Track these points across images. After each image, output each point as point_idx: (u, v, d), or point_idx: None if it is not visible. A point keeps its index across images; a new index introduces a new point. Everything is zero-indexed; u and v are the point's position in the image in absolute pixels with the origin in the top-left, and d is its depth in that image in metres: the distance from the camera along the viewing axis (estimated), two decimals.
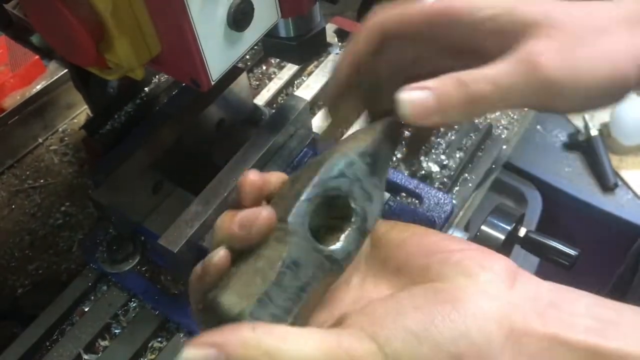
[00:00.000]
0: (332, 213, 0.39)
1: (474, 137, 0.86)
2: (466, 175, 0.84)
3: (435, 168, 0.84)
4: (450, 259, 0.35)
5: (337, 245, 0.38)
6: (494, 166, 0.88)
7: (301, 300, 0.35)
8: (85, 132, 0.80)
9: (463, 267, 0.34)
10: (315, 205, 0.37)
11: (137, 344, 0.63)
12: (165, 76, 0.88)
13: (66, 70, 0.98)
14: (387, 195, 0.70)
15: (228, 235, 0.36)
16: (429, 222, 0.68)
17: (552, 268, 0.70)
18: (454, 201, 0.75)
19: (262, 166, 0.66)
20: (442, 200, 0.72)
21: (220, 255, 0.35)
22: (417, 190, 0.73)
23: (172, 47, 0.50)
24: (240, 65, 0.72)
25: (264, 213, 0.35)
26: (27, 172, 0.93)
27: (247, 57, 0.91)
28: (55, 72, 1.01)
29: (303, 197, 0.37)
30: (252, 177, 0.39)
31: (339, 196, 0.39)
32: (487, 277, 0.33)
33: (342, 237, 0.38)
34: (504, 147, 0.89)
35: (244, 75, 0.72)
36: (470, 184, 0.84)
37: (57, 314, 0.66)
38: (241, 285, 0.34)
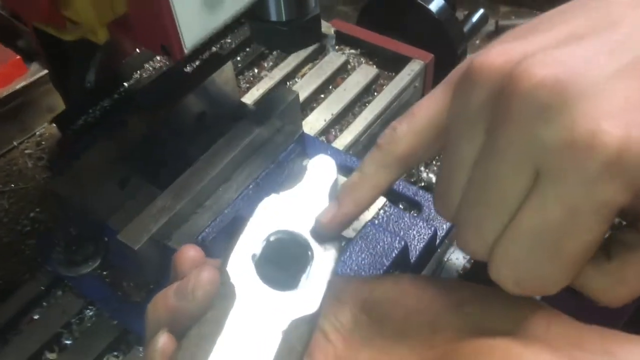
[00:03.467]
0: (286, 258, 0.38)
1: None
2: None
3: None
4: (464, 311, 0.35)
5: (298, 287, 0.37)
6: None
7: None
8: (56, 126, 0.73)
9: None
10: (263, 249, 0.37)
11: (89, 357, 0.55)
12: (147, 71, 0.81)
13: (47, 72, 0.93)
14: (382, 200, 0.62)
15: (167, 314, 0.34)
16: (430, 234, 0.60)
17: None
18: None
19: (242, 162, 0.59)
20: None
21: (163, 340, 0.33)
22: (416, 198, 0.66)
23: (140, 7, 0.44)
24: (228, 58, 0.66)
25: (205, 273, 0.34)
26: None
27: (238, 58, 0.85)
28: (36, 73, 0.95)
29: (240, 242, 0.37)
30: (192, 252, 0.37)
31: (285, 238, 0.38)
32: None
33: (303, 277, 0.37)
34: None
35: (229, 66, 0.65)
36: None
37: (1, 320, 0.57)
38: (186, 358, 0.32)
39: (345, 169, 0.66)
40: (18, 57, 0.96)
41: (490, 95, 0.30)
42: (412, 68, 0.81)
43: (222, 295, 0.35)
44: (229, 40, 0.86)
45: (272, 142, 0.61)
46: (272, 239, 0.38)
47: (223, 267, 0.36)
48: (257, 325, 0.34)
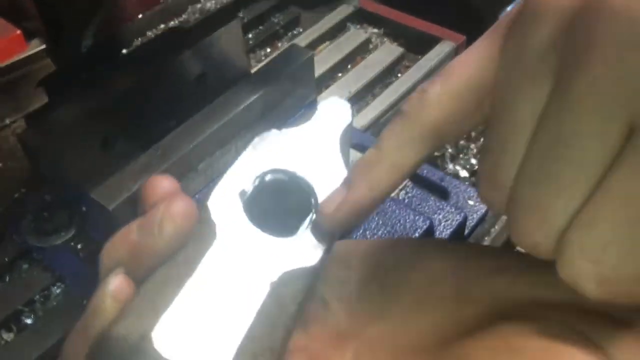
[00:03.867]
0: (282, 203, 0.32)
1: None
2: None
3: (464, 173, 0.68)
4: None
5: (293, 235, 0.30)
6: None
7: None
8: (43, 89, 0.66)
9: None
10: (255, 188, 0.30)
11: (50, 341, 0.47)
12: (149, 39, 0.75)
13: (45, 47, 0.87)
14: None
15: (126, 253, 0.27)
16: (459, 220, 0.51)
17: None
18: None
19: (244, 125, 0.51)
20: (474, 197, 0.56)
21: (118, 281, 0.26)
22: (442, 184, 0.57)
23: None
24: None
25: (178, 203, 0.26)
26: None
27: (250, 35, 0.78)
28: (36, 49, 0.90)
29: (227, 175, 0.30)
30: (166, 183, 0.28)
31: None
32: None
33: (302, 227, 0.30)
34: None
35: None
36: None
37: None
38: (144, 304, 0.25)
39: (361, 149, 0.58)
40: (18, 31, 0.91)
41: (562, 26, 0.22)
42: (442, 49, 0.73)
43: (198, 235, 0.27)
44: (241, 15, 0.79)
45: (281, 106, 0.53)
46: (267, 178, 0.31)
47: (203, 202, 0.29)
48: (239, 272, 0.27)
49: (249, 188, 0.30)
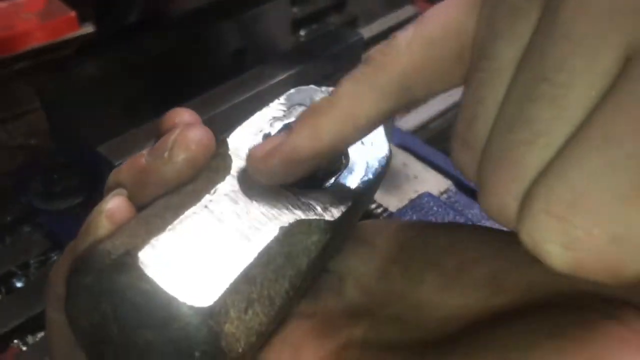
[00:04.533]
0: None
1: None
2: None
3: None
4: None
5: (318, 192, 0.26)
6: None
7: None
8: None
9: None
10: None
11: (37, 308, 0.43)
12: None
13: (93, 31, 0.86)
14: (447, 183, 0.48)
15: (132, 176, 0.25)
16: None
17: None
18: None
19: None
20: None
21: (116, 201, 0.24)
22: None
23: None
24: None
25: (194, 131, 0.24)
26: (21, 129, 0.79)
27: (302, 34, 0.75)
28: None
29: (255, 117, 0.27)
30: (187, 116, 0.26)
31: None
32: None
33: (332, 179, 0.27)
34: None
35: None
36: None
37: None
38: (138, 227, 0.23)
39: (404, 149, 0.53)
40: (72, 13, 0.91)
41: None
42: None
43: (212, 168, 0.25)
44: (295, 11, 0.76)
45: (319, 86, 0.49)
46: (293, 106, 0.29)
47: (223, 137, 0.26)
48: (247, 211, 0.24)
49: (276, 133, 0.27)
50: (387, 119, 0.25)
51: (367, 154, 0.30)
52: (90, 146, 0.47)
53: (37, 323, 0.43)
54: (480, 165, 0.21)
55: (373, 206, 0.45)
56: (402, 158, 0.53)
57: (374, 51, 0.24)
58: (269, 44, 0.55)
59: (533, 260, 0.24)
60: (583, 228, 0.18)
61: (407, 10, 0.74)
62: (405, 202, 0.44)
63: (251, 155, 0.25)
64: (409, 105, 0.25)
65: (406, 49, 0.23)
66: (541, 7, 0.19)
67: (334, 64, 0.49)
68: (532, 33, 0.20)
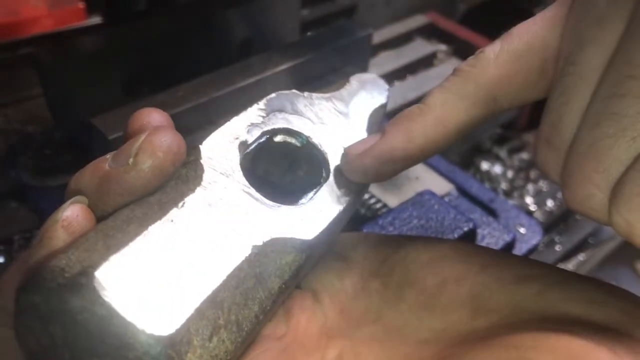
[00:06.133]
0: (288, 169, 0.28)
1: None
2: (554, 236, 0.62)
3: None
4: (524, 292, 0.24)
5: (299, 202, 0.26)
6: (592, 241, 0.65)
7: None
8: None
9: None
10: (260, 145, 0.27)
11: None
12: None
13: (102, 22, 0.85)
14: (449, 186, 0.47)
15: (92, 183, 0.23)
16: (507, 240, 0.44)
17: None
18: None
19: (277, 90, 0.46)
20: (527, 225, 0.49)
21: (75, 209, 0.23)
22: (492, 205, 0.50)
23: None
24: None
25: (163, 136, 0.23)
26: (19, 114, 0.78)
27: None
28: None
29: (230, 123, 0.26)
30: (156, 115, 0.25)
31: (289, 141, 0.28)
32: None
33: (305, 198, 0.27)
34: None
35: None
36: (557, 248, 0.61)
37: None
38: (96, 240, 0.21)
39: None
40: (81, 4, 0.90)
41: None
42: None
43: (181, 177, 0.23)
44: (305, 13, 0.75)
45: (324, 79, 0.48)
46: (276, 138, 0.28)
47: (195, 144, 0.25)
48: (218, 227, 0.22)
49: (253, 142, 0.26)
50: (475, 127, 0.26)
51: None
52: (84, 118, 0.46)
53: None
54: (565, 162, 0.23)
55: (372, 201, 0.44)
56: None
57: (463, 64, 0.26)
58: (277, 42, 0.54)
59: (520, 280, 0.24)
60: None
61: (418, 20, 0.73)
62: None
63: (347, 153, 0.27)
64: (494, 115, 0.27)
65: (493, 62, 0.25)
66: (628, 17, 0.21)
67: (341, 57, 0.48)
68: (619, 40, 0.21)
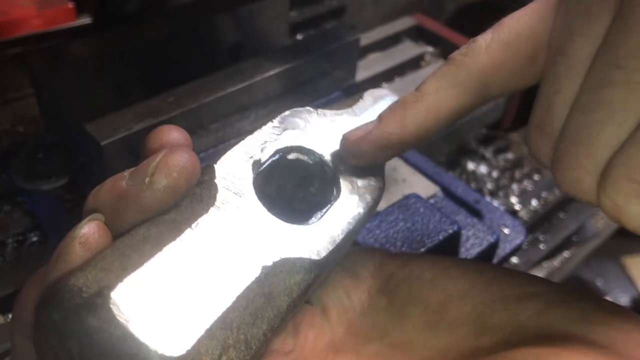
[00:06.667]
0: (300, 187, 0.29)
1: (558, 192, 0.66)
2: (539, 235, 0.63)
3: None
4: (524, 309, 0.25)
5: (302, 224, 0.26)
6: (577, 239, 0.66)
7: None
8: None
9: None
10: (273, 163, 0.27)
11: (8, 288, 0.42)
12: None
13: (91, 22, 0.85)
14: (435, 188, 0.48)
15: (110, 201, 0.24)
16: (491, 241, 0.45)
17: None
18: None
19: (268, 94, 0.46)
20: (510, 225, 0.50)
21: (92, 226, 0.23)
22: (477, 206, 0.51)
23: None
24: None
25: (180, 155, 0.23)
26: (9, 115, 0.78)
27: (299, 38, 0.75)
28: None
29: (244, 142, 0.27)
30: (176, 134, 0.25)
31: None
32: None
33: (316, 216, 0.28)
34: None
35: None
36: (542, 246, 0.62)
37: None
38: (113, 259, 0.21)
39: (406, 161, 0.53)
40: (71, 4, 0.90)
41: None
42: None
43: (196, 197, 0.24)
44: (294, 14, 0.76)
45: (313, 83, 0.49)
46: (289, 156, 0.28)
47: (210, 163, 0.26)
48: (230, 247, 0.23)
49: (266, 161, 0.27)
50: (466, 114, 0.28)
51: (361, 187, 0.29)
52: (77, 124, 0.47)
53: (9, 303, 0.42)
54: (556, 148, 0.24)
55: None
56: (393, 163, 0.53)
57: (456, 52, 0.27)
58: (267, 45, 0.54)
59: (522, 298, 0.25)
60: None
61: (405, 22, 0.74)
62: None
63: (345, 139, 0.28)
64: (485, 101, 0.28)
65: (485, 51, 0.26)
66: (614, 10, 0.22)
67: (330, 62, 0.49)
68: (606, 31, 0.22)
